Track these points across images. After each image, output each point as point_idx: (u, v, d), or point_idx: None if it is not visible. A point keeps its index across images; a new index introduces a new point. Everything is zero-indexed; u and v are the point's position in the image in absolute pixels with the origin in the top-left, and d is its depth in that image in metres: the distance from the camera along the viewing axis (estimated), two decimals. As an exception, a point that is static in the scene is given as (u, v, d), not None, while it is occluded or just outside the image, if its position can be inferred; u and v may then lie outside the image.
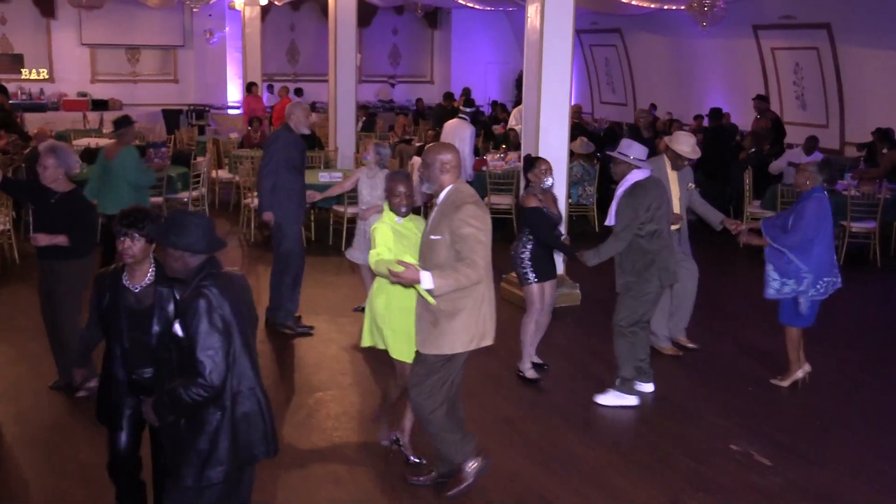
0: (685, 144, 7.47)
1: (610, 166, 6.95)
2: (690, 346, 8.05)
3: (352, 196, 11.10)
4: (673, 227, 7.57)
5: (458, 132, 11.46)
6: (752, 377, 7.40)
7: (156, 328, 4.29)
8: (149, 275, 4.40)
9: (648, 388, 6.87)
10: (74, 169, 6.59)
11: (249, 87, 19.12)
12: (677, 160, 7.48)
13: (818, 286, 6.87)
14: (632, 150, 6.54)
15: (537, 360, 7.33)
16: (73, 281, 6.47)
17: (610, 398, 6.69)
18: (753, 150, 13.83)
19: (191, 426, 3.80)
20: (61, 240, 6.28)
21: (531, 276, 6.99)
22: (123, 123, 9.32)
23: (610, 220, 6.65)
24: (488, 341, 5.03)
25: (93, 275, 4.69)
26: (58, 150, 6.49)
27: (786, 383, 7.19)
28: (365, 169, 8.65)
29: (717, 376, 7.45)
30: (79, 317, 6.37)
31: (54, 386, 6.71)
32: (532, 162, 7.11)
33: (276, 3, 20.24)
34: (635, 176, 6.50)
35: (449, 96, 19.73)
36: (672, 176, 7.49)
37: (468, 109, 12.66)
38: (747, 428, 6.42)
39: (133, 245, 4.30)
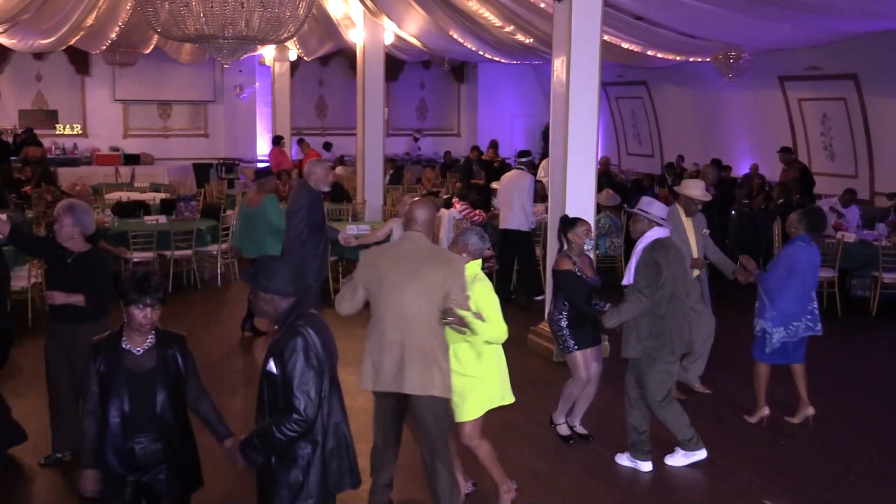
0: (696, 188, 7.81)
1: (629, 224, 6.90)
2: (705, 391, 8.06)
3: (379, 248, 11.19)
4: (694, 273, 7.72)
5: (517, 182, 11.58)
6: (783, 430, 7.28)
7: (160, 395, 4.19)
8: (150, 337, 4.26)
9: (646, 466, 6.43)
10: (90, 229, 6.32)
11: (277, 141, 19.37)
12: (690, 205, 7.73)
13: (789, 329, 7.07)
14: (652, 207, 6.39)
15: (582, 430, 7.06)
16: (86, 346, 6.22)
17: (679, 459, 6.49)
18: (782, 200, 13.76)
19: (282, 461, 3.96)
20: (77, 299, 6.02)
21: (570, 343, 6.69)
22: (265, 174, 10.01)
23: (628, 279, 6.41)
24: (375, 386, 5.15)
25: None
26: (75, 209, 6.25)
27: (753, 419, 7.35)
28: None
29: (746, 429, 7.33)
30: None
31: (46, 462, 6.37)
32: (571, 222, 6.76)
33: (305, 58, 20.59)
34: (656, 233, 6.31)
35: (476, 149, 19.89)
36: (687, 223, 7.72)
37: (524, 159, 12.61)
38: (780, 483, 6.29)
39: (154, 314, 4.19)
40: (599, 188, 10.88)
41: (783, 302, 7.02)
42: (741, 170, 17.76)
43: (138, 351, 4.23)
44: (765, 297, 7.13)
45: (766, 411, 7.36)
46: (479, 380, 5.38)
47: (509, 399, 5.61)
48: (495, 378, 5.49)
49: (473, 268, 5.40)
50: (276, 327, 4.06)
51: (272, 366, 3.90)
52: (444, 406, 5.16)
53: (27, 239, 7.48)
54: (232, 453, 4.04)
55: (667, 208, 6.52)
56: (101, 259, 6.49)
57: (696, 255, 7.65)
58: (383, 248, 5.36)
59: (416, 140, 24.49)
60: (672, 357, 6.31)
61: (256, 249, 9.31)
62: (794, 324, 7.09)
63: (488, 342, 5.32)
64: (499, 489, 5.67)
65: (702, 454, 6.49)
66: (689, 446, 6.48)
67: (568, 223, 6.78)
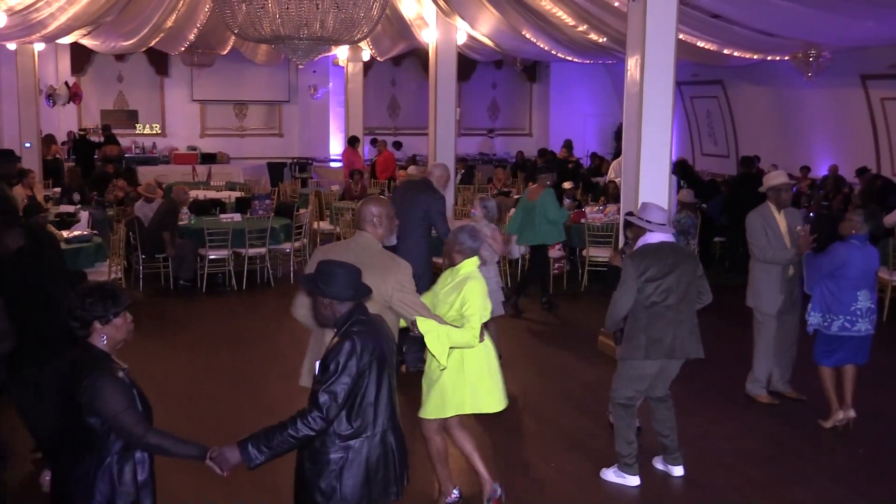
0: (779, 176, 7.91)
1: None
2: (795, 397, 7.90)
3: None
4: (789, 272, 7.70)
5: None
6: (863, 439, 7.09)
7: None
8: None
9: (678, 471, 6.31)
10: None
11: (353, 142, 19.53)
12: (778, 195, 7.70)
13: (826, 318, 7.08)
14: (647, 213, 6.26)
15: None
16: None
17: (610, 475, 6.27)
18: (860, 206, 13.42)
19: (314, 465, 3.90)
20: None
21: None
22: (545, 170, 11.23)
23: None
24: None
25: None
26: None
27: (826, 425, 7.24)
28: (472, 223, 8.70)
29: (825, 436, 7.17)
30: None
31: None
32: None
33: (378, 58, 20.74)
34: (647, 239, 6.18)
35: (543, 152, 19.89)
36: (780, 219, 7.67)
37: None
38: (861, 493, 6.13)
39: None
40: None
41: (816, 293, 7.12)
42: (820, 171, 17.36)
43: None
44: (803, 270, 7.25)
45: (841, 415, 7.22)
46: (445, 383, 5.34)
47: (490, 408, 5.51)
48: (468, 385, 5.39)
49: (468, 266, 5.43)
50: (335, 331, 3.97)
51: (317, 366, 3.88)
52: None
53: None
54: (222, 457, 3.76)
55: (664, 213, 6.31)
56: None
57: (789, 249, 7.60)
58: (335, 246, 5.22)
59: (492, 139, 24.43)
60: (644, 361, 6.07)
61: (535, 238, 10.83)
62: (830, 316, 7.06)
63: (457, 347, 5.15)
64: (440, 489, 5.68)
65: (633, 481, 6.17)
66: (622, 465, 6.21)
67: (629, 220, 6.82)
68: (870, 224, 7.06)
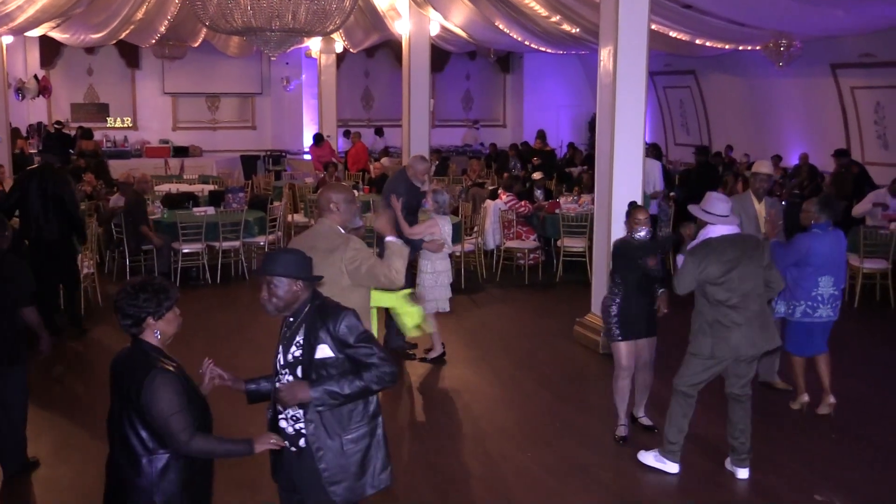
0: (761, 165, 8.10)
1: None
2: (781, 387, 7.89)
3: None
4: None
5: (646, 168, 11.36)
6: (834, 425, 7.16)
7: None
8: None
9: (742, 473, 6.17)
10: None
11: (318, 141, 19.37)
12: (755, 183, 7.87)
13: (790, 305, 7.22)
14: (709, 204, 6.12)
15: (647, 422, 6.97)
16: None
17: (650, 458, 6.29)
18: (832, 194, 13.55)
19: (355, 445, 3.91)
20: None
21: (616, 332, 6.59)
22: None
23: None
24: None
25: None
26: None
27: (794, 406, 7.46)
28: (445, 218, 8.71)
29: (797, 421, 7.24)
30: None
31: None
32: (630, 210, 6.71)
33: (351, 50, 20.67)
34: (708, 232, 6.08)
35: (514, 146, 19.97)
36: (759, 207, 7.82)
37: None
38: (831, 478, 6.19)
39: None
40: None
41: (787, 282, 7.09)
42: (792, 159, 17.51)
43: None
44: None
45: (805, 398, 7.41)
46: None
47: None
48: None
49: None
50: (290, 316, 3.91)
51: (326, 352, 3.79)
52: None
53: None
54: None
55: (728, 205, 6.15)
56: None
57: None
58: (303, 234, 5.30)
59: (478, 129, 24.35)
60: (711, 358, 6.02)
61: None
62: (793, 302, 7.20)
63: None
64: None
65: (672, 468, 6.20)
66: (665, 451, 6.22)
67: (628, 210, 6.75)
68: (827, 212, 7.08)
